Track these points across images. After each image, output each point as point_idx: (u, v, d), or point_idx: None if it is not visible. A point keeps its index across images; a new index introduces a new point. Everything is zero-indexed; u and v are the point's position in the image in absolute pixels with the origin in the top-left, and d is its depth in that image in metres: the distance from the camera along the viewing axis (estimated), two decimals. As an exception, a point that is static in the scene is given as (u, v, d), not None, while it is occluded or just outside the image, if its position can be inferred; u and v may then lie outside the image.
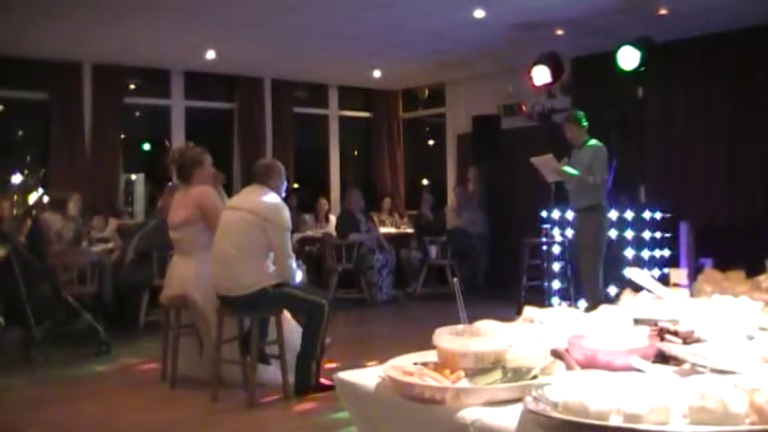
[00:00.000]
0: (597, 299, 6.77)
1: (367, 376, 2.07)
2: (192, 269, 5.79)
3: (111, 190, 10.71)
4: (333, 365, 5.92)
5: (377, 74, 12.00)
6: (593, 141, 7.60)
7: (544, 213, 9.24)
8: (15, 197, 10.56)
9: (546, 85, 9.80)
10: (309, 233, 11.13)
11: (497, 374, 1.83)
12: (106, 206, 10.04)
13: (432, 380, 1.83)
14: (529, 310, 2.39)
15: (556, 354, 1.93)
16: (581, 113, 7.70)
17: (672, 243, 8.39)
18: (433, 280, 11.20)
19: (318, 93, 13.10)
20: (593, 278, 7.43)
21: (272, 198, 5.46)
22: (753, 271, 2.67)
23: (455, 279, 2.30)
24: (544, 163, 7.69)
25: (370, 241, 10.50)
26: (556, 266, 9.07)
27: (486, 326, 2.18)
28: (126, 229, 9.37)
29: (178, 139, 11.06)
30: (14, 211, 9.96)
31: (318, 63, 11.15)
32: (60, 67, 10.29)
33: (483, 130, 11.48)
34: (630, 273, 2.57)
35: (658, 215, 8.67)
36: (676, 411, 1.45)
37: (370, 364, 2.16)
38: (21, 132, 11.44)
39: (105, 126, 10.64)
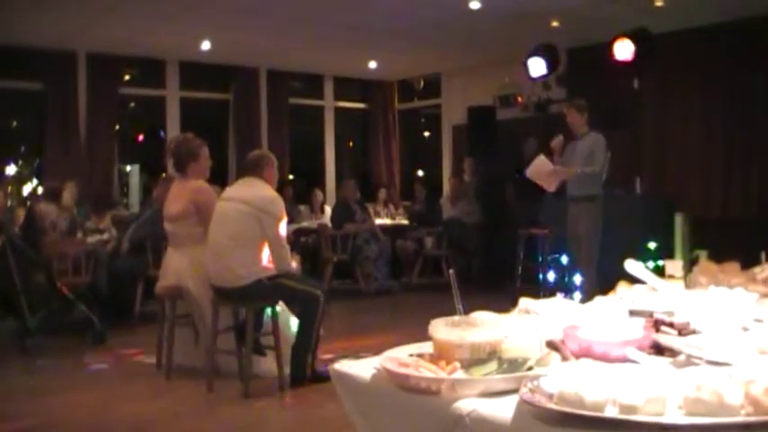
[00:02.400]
0: (593, 289, 6.78)
1: (362, 367, 2.07)
2: (187, 260, 5.78)
3: (106, 181, 10.68)
4: (328, 356, 5.93)
5: (372, 65, 11.98)
6: (593, 133, 7.61)
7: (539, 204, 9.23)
8: (10, 187, 10.58)
9: (542, 77, 9.79)
10: (305, 224, 11.12)
11: (493, 365, 1.83)
12: (102, 197, 10.00)
13: (427, 371, 1.83)
14: (524, 301, 2.39)
15: (551, 345, 1.93)
16: (584, 102, 7.71)
17: (667, 234, 8.39)
18: (428, 270, 11.20)
19: (314, 83, 13.08)
20: (590, 268, 7.45)
21: (267, 189, 5.46)
22: (748, 263, 2.67)
23: (450, 270, 2.29)
24: (539, 169, 7.61)
25: (365, 232, 10.50)
26: (551, 257, 9.07)
27: (482, 317, 2.18)
28: (121, 220, 9.35)
29: (173, 130, 11.04)
30: (9, 202, 9.97)
31: (314, 54, 11.13)
32: (55, 57, 10.25)
33: (478, 121, 11.47)
34: (627, 264, 2.57)
35: (653, 206, 8.66)
36: (672, 403, 1.46)
37: (365, 355, 2.15)
38: (15, 122, 11.42)
39: (100, 116, 10.61)
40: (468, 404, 1.70)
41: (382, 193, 12.64)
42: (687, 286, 2.60)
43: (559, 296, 2.45)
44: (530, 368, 1.80)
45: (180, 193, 5.93)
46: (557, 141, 7.70)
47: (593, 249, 7.44)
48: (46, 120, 10.36)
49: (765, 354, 1.75)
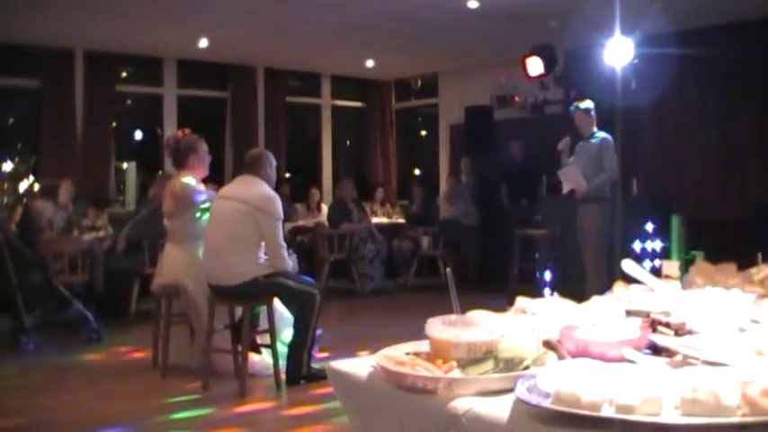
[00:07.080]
0: (598, 289, 6.75)
1: (359, 366, 2.07)
2: (184, 258, 5.79)
3: (103, 178, 10.66)
4: (324, 355, 5.93)
5: (370, 63, 11.98)
6: (601, 133, 7.64)
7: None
8: (6, 185, 10.56)
9: (539, 77, 9.79)
10: (301, 223, 11.12)
11: (489, 364, 1.83)
12: (98, 195, 9.98)
13: (424, 370, 1.83)
14: (521, 301, 2.39)
15: (548, 344, 1.93)
16: (590, 103, 7.73)
17: (663, 235, 8.41)
18: (424, 271, 11.19)
19: (311, 82, 13.08)
20: (596, 268, 7.44)
21: (264, 188, 5.45)
22: (744, 264, 2.67)
23: (447, 269, 2.30)
24: (569, 175, 7.64)
25: (361, 231, 10.50)
26: (548, 257, 9.06)
27: (479, 316, 2.18)
28: (117, 218, 9.33)
29: (170, 128, 11.03)
30: (5, 199, 9.95)
31: (312, 52, 11.12)
32: (52, 55, 10.23)
33: (476, 120, 11.46)
34: (624, 264, 2.57)
35: (650, 207, 8.67)
36: (668, 403, 1.46)
37: (361, 353, 2.15)
38: (12, 120, 11.38)
39: (97, 114, 10.59)
40: (464, 403, 1.70)
41: (379, 193, 12.61)
42: (684, 287, 2.60)
43: (556, 296, 2.45)
44: (526, 367, 1.81)
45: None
46: (563, 143, 7.71)
47: (601, 248, 7.45)
48: (42, 117, 10.33)
49: (762, 354, 1.75)
